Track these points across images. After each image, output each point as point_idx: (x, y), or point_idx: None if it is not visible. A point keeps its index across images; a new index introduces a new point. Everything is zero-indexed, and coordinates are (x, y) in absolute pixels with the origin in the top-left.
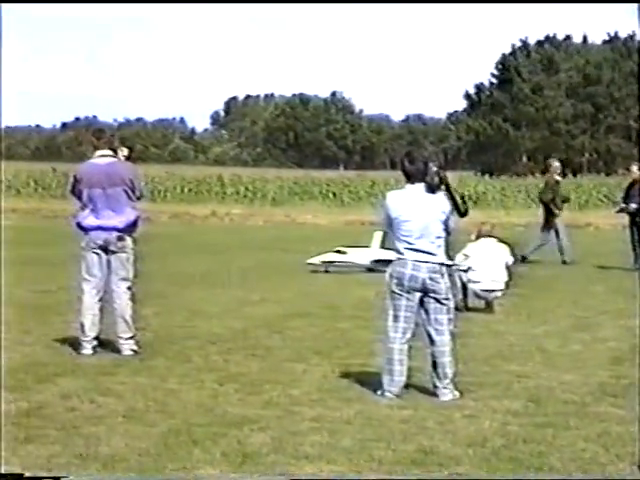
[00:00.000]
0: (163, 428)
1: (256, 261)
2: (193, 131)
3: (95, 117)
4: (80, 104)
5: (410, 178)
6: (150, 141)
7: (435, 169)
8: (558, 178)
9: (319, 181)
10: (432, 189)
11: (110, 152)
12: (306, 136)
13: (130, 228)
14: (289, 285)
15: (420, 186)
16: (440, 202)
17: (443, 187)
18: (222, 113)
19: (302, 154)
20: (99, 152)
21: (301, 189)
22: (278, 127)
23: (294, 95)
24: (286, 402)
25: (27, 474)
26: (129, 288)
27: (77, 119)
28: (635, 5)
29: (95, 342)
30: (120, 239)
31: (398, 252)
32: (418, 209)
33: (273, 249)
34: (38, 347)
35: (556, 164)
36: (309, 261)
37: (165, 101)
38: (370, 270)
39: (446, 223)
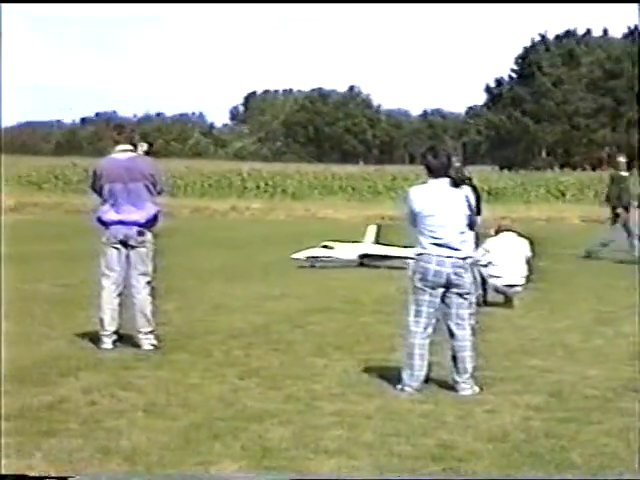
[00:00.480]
0: (184, 422)
1: (277, 256)
2: (212, 126)
3: (115, 112)
4: (100, 99)
5: (433, 172)
6: (170, 136)
7: (458, 164)
8: (624, 174)
9: (339, 176)
10: (456, 183)
11: (131, 147)
12: (325, 131)
13: (150, 223)
14: (310, 280)
15: (444, 180)
16: (464, 196)
17: (467, 181)
18: (241, 108)
19: (321, 149)
20: (120, 147)
21: (321, 184)
22: (297, 122)
23: (313, 90)
24: (307, 396)
25: (31, 474)
26: (149, 283)
27: (97, 114)
28: (635, 5)
29: (115, 336)
30: (140, 234)
31: (422, 247)
32: (442, 203)
33: (294, 244)
34: (62, 341)
35: (622, 159)
36: (294, 256)
37: (185, 96)
38: (362, 265)
39: (470, 218)
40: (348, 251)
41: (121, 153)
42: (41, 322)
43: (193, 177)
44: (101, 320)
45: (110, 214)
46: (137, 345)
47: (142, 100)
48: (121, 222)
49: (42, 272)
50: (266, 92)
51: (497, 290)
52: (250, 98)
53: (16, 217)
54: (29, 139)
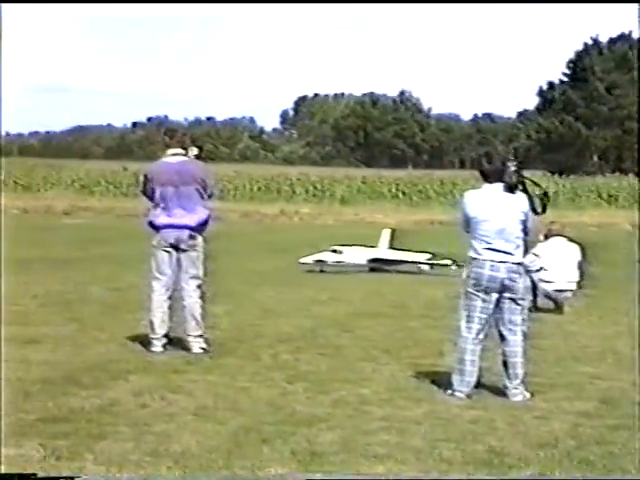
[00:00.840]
0: (233, 426)
1: None
2: (262, 130)
3: (166, 116)
4: (151, 103)
5: (488, 178)
6: (220, 140)
7: (513, 168)
8: None
9: (388, 180)
10: (510, 188)
11: (182, 151)
12: (375, 135)
13: (201, 227)
14: (358, 284)
15: (498, 186)
16: (519, 202)
17: (520, 187)
18: (291, 112)
19: (371, 153)
20: (171, 151)
21: (370, 188)
22: (347, 126)
23: (364, 94)
24: (355, 401)
25: (41, 474)
26: (199, 286)
27: (148, 119)
28: (635, 5)
29: (165, 340)
30: (191, 237)
31: (475, 252)
32: (496, 209)
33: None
34: (112, 345)
35: None
36: (302, 260)
37: (235, 100)
38: (372, 270)
39: (524, 223)
40: (357, 255)
41: (173, 157)
42: (91, 325)
43: (242, 181)
44: (151, 323)
45: (161, 218)
46: (187, 348)
47: (193, 104)
48: (172, 226)
49: (93, 276)
50: (316, 96)
51: (548, 296)
52: (300, 102)
53: (67, 221)
54: (80, 143)
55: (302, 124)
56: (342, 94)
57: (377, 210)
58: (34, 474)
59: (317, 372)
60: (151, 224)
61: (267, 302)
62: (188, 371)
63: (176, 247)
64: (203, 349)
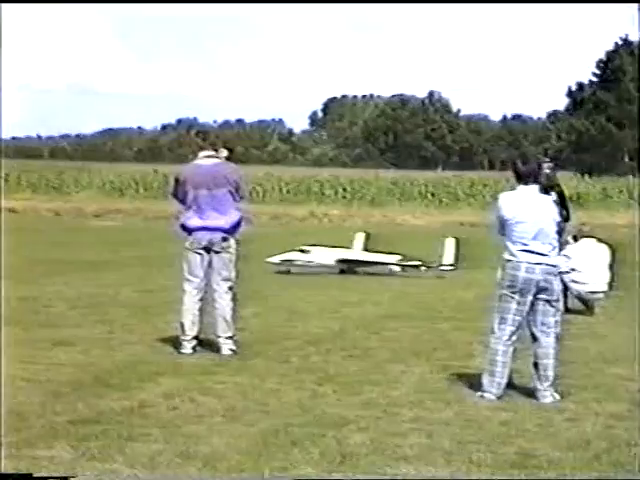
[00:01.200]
0: (262, 428)
1: None
2: (291, 132)
3: (195, 119)
4: (181, 106)
5: (523, 179)
6: (249, 142)
7: (548, 170)
8: None
9: (417, 182)
10: (546, 190)
11: (215, 153)
12: (404, 137)
13: (234, 229)
14: (387, 286)
15: (533, 187)
16: (553, 203)
17: (557, 188)
18: (320, 114)
19: (400, 155)
20: (204, 153)
21: (399, 190)
22: (377, 128)
23: (394, 96)
24: (385, 403)
25: (36, 474)
26: (230, 288)
27: (178, 121)
28: (635, 5)
29: (195, 342)
30: (224, 240)
31: (510, 254)
32: (532, 210)
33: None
34: (141, 346)
35: None
36: (268, 260)
37: (264, 102)
38: (342, 272)
39: (559, 224)
40: (325, 256)
41: (205, 159)
42: (121, 328)
43: (272, 183)
44: (182, 325)
45: (194, 220)
46: (216, 350)
47: (222, 106)
48: (205, 228)
49: (123, 278)
50: (345, 98)
51: (579, 297)
52: (329, 104)
53: (98, 223)
54: (111, 146)
55: (331, 126)
56: (371, 95)
57: (407, 212)
58: (31, 474)
59: (346, 374)
60: (183, 227)
61: (296, 304)
62: (217, 373)
63: (208, 249)
64: (232, 351)
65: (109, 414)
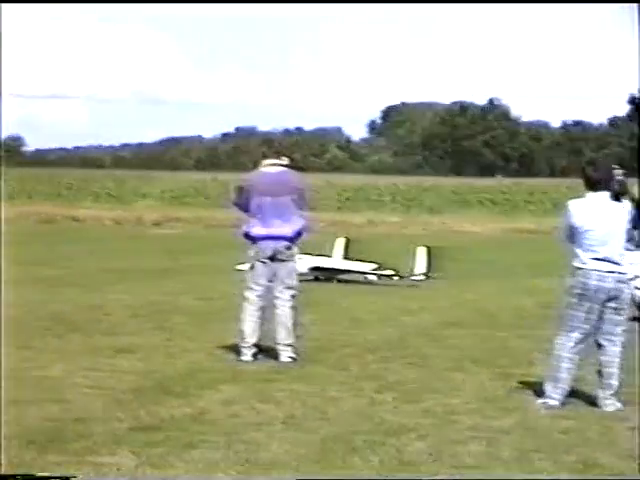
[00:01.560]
0: (322, 435)
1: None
2: (349, 140)
3: (255, 127)
4: (240, 114)
5: (593, 186)
6: (308, 150)
7: (620, 177)
8: None
9: (476, 189)
10: (617, 197)
11: (279, 161)
12: (464, 144)
13: (298, 236)
14: (446, 293)
15: (604, 194)
16: (625, 210)
17: (629, 196)
18: (379, 121)
19: (459, 162)
20: (268, 161)
21: (458, 197)
22: (436, 135)
23: (453, 103)
24: (444, 411)
25: (39, 474)
26: (293, 296)
27: (237, 129)
28: (635, 5)
29: (255, 349)
30: (288, 248)
31: (581, 262)
32: (603, 218)
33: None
34: (201, 354)
35: None
36: (239, 267)
37: (322, 110)
38: (317, 279)
39: (630, 232)
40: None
41: (270, 167)
42: (182, 335)
43: (330, 191)
44: (242, 332)
45: (258, 228)
46: (275, 357)
47: (281, 114)
48: (270, 237)
49: (183, 285)
50: (404, 105)
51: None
52: (388, 111)
53: (158, 231)
54: (171, 154)
55: (390, 133)
56: (430, 103)
57: (466, 219)
58: (33, 475)
59: (405, 382)
60: (247, 235)
61: (355, 311)
62: (277, 380)
63: (272, 258)
64: (292, 358)
65: (170, 421)
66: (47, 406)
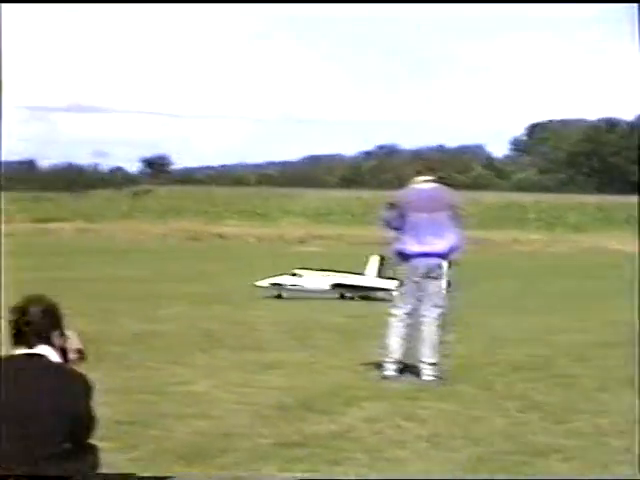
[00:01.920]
0: (467, 454)
1: (560, 288)
2: (490, 157)
3: (396, 145)
4: (382, 131)
5: None
6: (452, 167)
7: None
8: None
9: (623, 207)
10: None
11: (432, 177)
12: (610, 160)
13: (451, 253)
14: (594, 312)
15: None
16: None
17: None
18: (523, 138)
19: (606, 179)
20: (421, 177)
21: (604, 215)
22: (581, 152)
23: (599, 119)
24: (593, 432)
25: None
26: (440, 314)
27: (380, 147)
28: (635, 5)
29: (399, 365)
30: (440, 266)
31: None
32: None
33: (577, 276)
34: (345, 371)
35: None
36: (257, 284)
37: (463, 126)
38: (342, 297)
39: None
40: (317, 280)
41: (424, 184)
42: (326, 352)
43: (473, 209)
44: (388, 347)
45: (412, 246)
46: (418, 375)
47: (423, 131)
48: (424, 254)
49: (327, 303)
50: (550, 122)
51: None
52: (533, 128)
53: (302, 249)
54: (314, 172)
55: (534, 150)
56: (577, 119)
57: (612, 237)
58: (37, 475)
59: (552, 402)
60: (401, 253)
61: (499, 330)
62: (421, 398)
63: (424, 275)
64: (436, 377)
65: (314, 438)
66: (194, 421)
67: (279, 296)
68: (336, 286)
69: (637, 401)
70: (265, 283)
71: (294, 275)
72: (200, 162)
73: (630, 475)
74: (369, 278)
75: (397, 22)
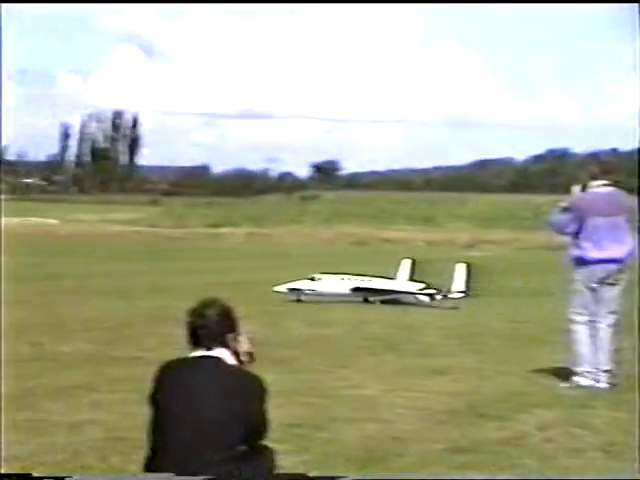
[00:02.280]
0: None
1: None
2: None
3: (568, 149)
4: (552, 136)
5: None
6: (625, 171)
7: None
8: None
9: None
10: None
11: (610, 181)
12: None
13: (628, 258)
14: None
15: None
16: None
17: None
18: None
19: None
20: (598, 182)
21: None
22: None
23: None
24: None
25: (35, 474)
26: (615, 321)
27: (550, 151)
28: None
29: (592, 375)
30: (620, 271)
31: None
32: None
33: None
34: (514, 377)
35: None
36: (275, 289)
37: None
38: (366, 301)
39: None
40: (336, 284)
41: (602, 187)
42: (493, 358)
43: None
44: (576, 358)
45: (592, 252)
46: (593, 383)
47: (595, 135)
48: (603, 260)
49: (492, 308)
50: None
51: None
52: None
53: (469, 254)
54: (482, 177)
55: None
56: None
57: None
58: (30, 474)
59: None
60: (580, 259)
61: None
62: (595, 406)
63: (602, 281)
64: (610, 384)
65: (484, 443)
66: (364, 424)
67: (298, 300)
68: (356, 290)
69: (637, 401)
70: (283, 288)
71: (312, 279)
72: (366, 167)
73: (630, 475)
74: (393, 282)
75: (569, 21)
